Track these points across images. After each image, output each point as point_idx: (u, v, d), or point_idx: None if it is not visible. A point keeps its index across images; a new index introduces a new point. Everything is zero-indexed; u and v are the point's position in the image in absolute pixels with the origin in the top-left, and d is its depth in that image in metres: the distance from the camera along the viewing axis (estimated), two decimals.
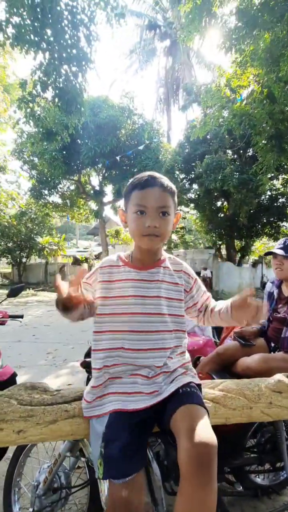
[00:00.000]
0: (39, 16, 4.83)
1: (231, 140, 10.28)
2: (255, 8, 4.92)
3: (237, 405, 0.98)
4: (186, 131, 13.48)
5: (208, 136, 10.96)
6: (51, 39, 5.03)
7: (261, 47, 5.22)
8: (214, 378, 1.62)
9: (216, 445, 0.72)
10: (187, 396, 0.83)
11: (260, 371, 1.51)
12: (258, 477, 1.67)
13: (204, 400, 0.92)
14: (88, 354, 1.62)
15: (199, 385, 0.92)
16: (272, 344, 1.77)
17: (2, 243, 16.37)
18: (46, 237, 18.00)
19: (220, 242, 15.50)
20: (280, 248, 1.79)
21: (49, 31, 5.05)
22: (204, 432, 0.72)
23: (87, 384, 1.59)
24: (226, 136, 10.81)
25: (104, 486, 1.28)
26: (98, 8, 5.14)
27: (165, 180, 0.94)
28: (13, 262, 17.52)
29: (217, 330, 2.46)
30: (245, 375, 1.57)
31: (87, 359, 1.58)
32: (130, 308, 0.92)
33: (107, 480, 1.02)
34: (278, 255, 1.77)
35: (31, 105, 4.96)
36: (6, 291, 2.37)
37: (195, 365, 1.91)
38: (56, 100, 4.66)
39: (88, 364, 1.56)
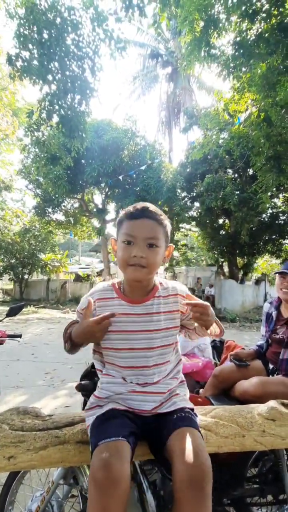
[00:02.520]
0: (47, 51, 5.20)
1: (231, 160, 10.54)
2: (251, 39, 5.22)
3: (229, 433, 0.96)
4: (187, 152, 13.87)
5: (208, 156, 11.27)
6: (58, 71, 5.37)
7: (258, 74, 5.48)
8: (212, 402, 1.58)
9: (210, 468, 0.71)
10: (182, 420, 0.83)
11: (257, 395, 1.48)
12: (261, 510, 1.59)
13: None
14: (84, 376, 1.60)
15: (192, 409, 0.92)
16: (271, 366, 1.74)
17: (5, 260, 16.49)
18: (49, 254, 18.12)
19: (222, 260, 15.49)
20: None
21: (55, 64, 5.40)
22: (199, 455, 0.72)
23: (83, 407, 1.57)
24: (226, 157, 11.11)
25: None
26: (102, 42, 5.50)
27: (157, 213, 0.95)
28: (15, 279, 17.55)
29: (217, 351, 2.43)
30: (243, 399, 1.53)
31: (83, 382, 1.55)
32: (130, 343, 0.93)
33: None
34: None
35: (36, 134, 5.23)
36: (7, 308, 2.37)
37: (193, 385, 1.88)
38: (60, 126, 4.91)
39: (84, 387, 1.53)
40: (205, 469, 0.70)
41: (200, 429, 0.86)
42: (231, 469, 1.46)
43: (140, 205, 0.96)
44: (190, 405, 0.94)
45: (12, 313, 2.35)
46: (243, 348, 2.02)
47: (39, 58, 5.19)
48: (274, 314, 1.84)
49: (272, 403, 1.02)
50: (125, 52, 5.25)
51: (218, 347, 2.43)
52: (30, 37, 5.09)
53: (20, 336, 2.37)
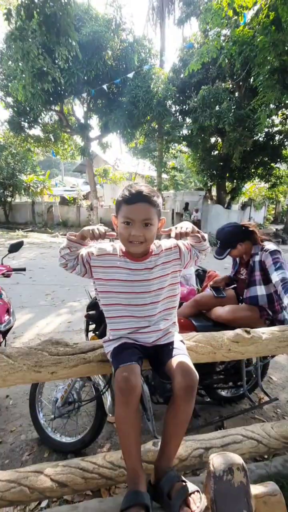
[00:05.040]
0: None
1: (231, 68, 9.25)
2: None
3: (205, 351, 1.34)
4: (181, 52, 11.87)
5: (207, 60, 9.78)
6: None
7: None
8: (192, 322, 2.01)
9: (197, 378, 1.09)
10: (177, 349, 1.18)
11: (229, 319, 1.91)
12: (223, 392, 2.22)
13: None
14: (90, 307, 1.94)
15: (182, 341, 1.28)
16: (241, 298, 2.14)
17: None
18: (30, 175, 17.09)
19: (211, 183, 15.26)
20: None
21: None
22: (191, 372, 1.08)
23: (87, 330, 1.96)
24: (226, 61, 9.69)
25: (107, 399, 1.75)
26: None
27: (150, 195, 1.12)
28: None
29: (200, 279, 2.82)
30: (218, 321, 1.96)
31: (90, 312, 1.90)
32: (131, 288, 1.21)
33: (109, 394, 1.60)
34: None
35: (21, 44, 4.26)
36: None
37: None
38: (43, 29, 3.98)
39: (91, 316, 1.89)
40: (195, 381, 1.06)
41: (187, 351, 1.22)
42: (204, 366, 1.99)
43: (135, 189, 1.12)
44: (180, 338, 1.28)
45: (13, 249, 2.55)
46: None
47: None
48: (237, 258, 2.15)
49: (238, 330, 1.38)
50: None
51: (201, 276, 2.82)
52: None
53: (24, 269, 2.61)
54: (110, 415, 1.65)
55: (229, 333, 1.37)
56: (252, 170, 13.48)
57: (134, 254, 1.19)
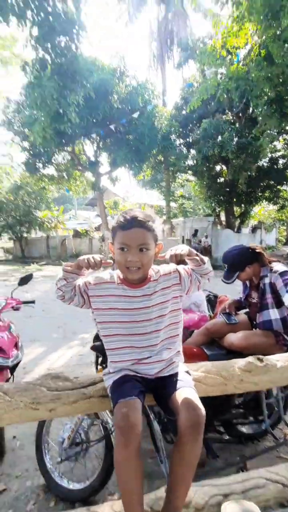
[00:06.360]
0: None
1: (230, 102, 9.78)
2: None
3: (215, 383, 1.25)
4: (182, 91, 12.73)
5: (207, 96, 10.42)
6: (37, 9, 4.66)
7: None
8: (204, 351, 1.91)
9: (204, 414, 1.00)
10: (182, 381, 1.12)
11: (242, 347, 1.81)
12: (243, 428, 2.04)
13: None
14: (96, 338, 1.89)
15: (187, 372, 1.20)
16: (254, 323, 2.04)
17: (2, 219, 16.38)
18: (45, 210, 17.92)
19: (219, 209, 15.43)
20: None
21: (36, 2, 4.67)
22: (197, 407, 1.01)
23: (96, 362, 1.89)
24: (225, 96, 10.27)
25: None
26: None
27: (145, 220, 1.11)
28: (15, 237, 17.67)
29: (211, 305, 2.73)
30: (231, 349, 1.86)
31: (96, 343, 1.85)
32: (131, 317, 1.16)
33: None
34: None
35: (38, 90, 4.75)
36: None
37: (188, 337, 2.20)
38: (56, 77, 4.45)
39: (97, 347, 1.84)
40: (201, 417, 0.98)
41: (193, 383, 1.15)
42: (221, 399, 1.84)
43: (130, 215, 1.11)
44: (185, 368, 1.20)
45: (23, 282, 2.57)
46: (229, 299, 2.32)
47: None
48: (247, 281, 2.08)
49: (249, 358, 1.29)
50: None
51: (212, 301, 2.73)
52: None
53: (33, 302, 2.62)
54: None
55: (240, 362, 1.29)
56: (259, 194, 13.61)
57: (132, 280, 1.16)
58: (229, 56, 5.75)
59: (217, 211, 15.56)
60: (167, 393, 1.09)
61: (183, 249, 1.13)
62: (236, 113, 10.24)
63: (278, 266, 1.89)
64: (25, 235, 17.80)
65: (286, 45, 5.01)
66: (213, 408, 1.81)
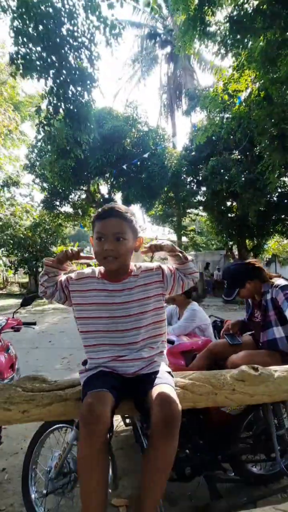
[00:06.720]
0: (44, 45, 5.22)
1: (235, 141, 10.33)
2: (247, 13, 5.04)
3: (203, 391, 1.13)
4: (190, 135, 13.62)
5: (213, 138, 11.08)
6: (56, 64, 5.40)
7: (257, 49, 5.32)
8: None
9: (179, 413, 0.89)
10: (159, 378, 1.03)
11: None
12: (255, 467, 1.78)
13: (175, 388, 1.09)
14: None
15: (169, 372, 1.11)
16: (260, 343, 1.90)
17: (19, 254, 17.00)
18: (60, 246, 18.51)
19: (231, 243, 15.41)
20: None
21: (54, 57, 5.42)
22: (170, 401, 0.90)
23: None
24: (231, 137, 10.89)
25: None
26: (97, 30, 5.47)
27: (122, 211, 1.12)
28: (30, 272, 18.11)
29: (218, 330, 2.58)
30: None
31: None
32: (110, 312, 1.12)
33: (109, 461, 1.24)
34: None
35: (47, 129, 5.36)
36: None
37: (191, 361, 2.05)
38: (67, 120, 4.99)
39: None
40: (175, 412, 0.88)
41: (176, 390, 1.04)
42: (225, 430, 1.65)
43: (108, 206, 1.14)
44: (167, 369, 1.13)
45: (25, 303, 2.56)
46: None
47: (38, 53, 5.24)
48: (250, 300, 1.99)
49: (243, 367, 1.18)
50: (121, 38, 5.23)
51: (219, 326, 2.58)
52: (26, 32, 5.12)
53: (34, 323, 2.58)
54: (110, 490, 1.35)
55: (233, 371, 1.18)
56: (271, 228, 13.57)
57: (111, 273, 1.15)
58: (231, 99, 6.22)
59: (229, 245, 15.53)
60: (144, 391, 1.01)
61: (166, 243, 1.12)
62: (242, 151, 10.73)
63: (279, 281, 1.81)
64: (39, 270, 18.24)
65: (283, 87, 5.39)
66: (216, 440, 1.62)
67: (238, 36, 5.11)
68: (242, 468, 1.72)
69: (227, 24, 5.11)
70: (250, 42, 5.12)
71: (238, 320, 2.12)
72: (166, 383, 1.00)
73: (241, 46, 5.22)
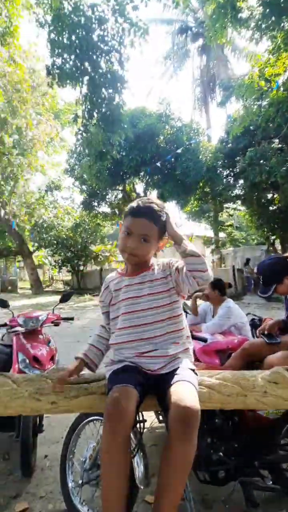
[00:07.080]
0: (77, 53, 5.49)
1: (275, 128, 9.67)
2: None
3: (232, 392, 1.09)
4: (226, 126, 13.09)
5: (251, 127, 10.50)
6: (88, 70, 5.65)
7: None
8: None
9: (198, 412, 0.88)
10: (178, 375, 1.03)
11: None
12: None
13: (200, 387, 1.08)
14: None
15: (193, 370, 1.10)
16: None
17: (62, 254, 18.07)
18: (99, 245, 19.20)
19: (273, 237, 14.51)
20: None
21: (86, 64, 5.68)
22: (189, 399, 0.90)
23: None
24: (270, 125, 10.22)
25: (138, 466, 1.47)
26: (125, 31, 5.59)
27: (155, 211, 1.12)
28: (72, 270, 19.13)
29: (256, 329, 2.42)
30: None
31: None
32: (132, 307, 1.17)
33: (141, 461, 1.24)
34: None
35: (85, 135, 5.66)
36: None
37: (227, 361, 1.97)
38: (101, 123, 5.24)
39: None
40: (193, 411, 0.86)
41: (202, 389, 1.04)
42: (262, 434, 1.55)
43: (143, 203, 1.14)
44: (191, 366, 1.11)
45: (64, 299, 2.70)
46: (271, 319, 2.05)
47: (72, 62, 5.54)
48: None
49: (276, 368, 1.13)
50: (144, 38, 5.26)
51: (257, 325, 2.41)
52: (60, 42, 5.43)
53: (72, 318, 2.71)
54: (142, 487, 1.23)
55: (265, 372, 1.14)
56: None
57: (130, 266, 1.20)
58: (268, 85, 5.85)
59: (271, 239, 14.65)
60: (164, 389, 1.00)
61: (177, 221, 1.15)
62: (282, 139, 10.02)
63: None
64: (81, 268, 19.16)
65: None
66: (252, 445, 1.56)
67: (273, 18, 4.78)
68: (281, 476, 1.57)
69: (260, 8, 4.82)
70: (286, 24, 4.76)
71: (278, 320, 1.99)
72: (186, 380, 0.98)
73: (276, 28, 4.89)
